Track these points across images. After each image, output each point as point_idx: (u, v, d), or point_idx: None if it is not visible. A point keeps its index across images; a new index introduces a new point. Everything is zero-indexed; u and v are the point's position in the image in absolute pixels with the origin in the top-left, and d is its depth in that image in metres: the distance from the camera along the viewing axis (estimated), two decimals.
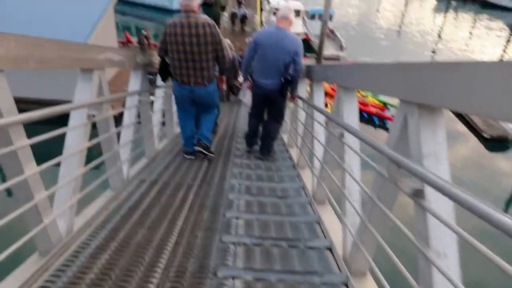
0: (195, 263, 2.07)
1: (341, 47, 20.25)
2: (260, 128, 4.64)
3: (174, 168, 3.79)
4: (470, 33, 31.42)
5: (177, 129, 5.41)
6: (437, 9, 39.46)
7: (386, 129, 14.00)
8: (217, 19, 19.76)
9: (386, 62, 1.68)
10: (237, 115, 8.12)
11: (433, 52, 24.82)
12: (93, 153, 2.74)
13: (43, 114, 1.77)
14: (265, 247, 2.31)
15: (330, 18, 19.61)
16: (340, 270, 2.13)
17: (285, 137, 5.75)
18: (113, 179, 3.07)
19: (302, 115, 4.35)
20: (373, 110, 14.06)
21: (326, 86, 11.76)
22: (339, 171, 2.57)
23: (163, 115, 4.83)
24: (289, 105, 4.79)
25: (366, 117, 13.60)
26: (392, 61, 1.72)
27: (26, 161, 1.71)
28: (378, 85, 1.82)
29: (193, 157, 4.17)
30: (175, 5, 25.21)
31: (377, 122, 14.09)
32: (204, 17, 3.56)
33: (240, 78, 8.55)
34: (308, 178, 3.67)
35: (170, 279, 1.90)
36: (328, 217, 2.81)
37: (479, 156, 12.03)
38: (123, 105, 3.54)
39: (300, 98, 4.38)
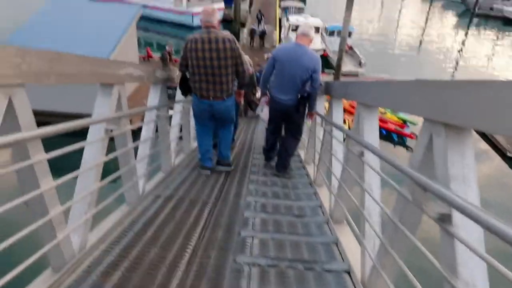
0: (207, 284, 2.01)
1: (360, 64, 20.21)
2: (278, 144, 4.61)
3: (189, 184, 3.77)
4: (493, 50, 30.86)
5: (194, 144, 5.42)
6: (458, 26, 38.95)
7: (406, 146, 13.75)
8: (236, 35, 20.07)
9: (410, 79, 1.62)
10: (254, 131, 8.11)
11: (455, 69, 24.43)
12: (110, 167, 2.75)
13: (62, 128, 1.77)
14: (280, 268, 2.24)
15: (349, 35, 19.65)
16: None
17: (302, 153, 5.68)
18: (128, 193, 3.06)
19: (320, 132, 4.29)
20: (392, 127, 13.86)
21: (345, 102, 11.69)
22: (357, 189, 2.49)
23: (181, 130, 4.85)
24: (306, 122, 4.75)
25: (385, 134, 13.40)
26: (416, 78, 1.66)
27: (43, 176, 1.71)
28: (400, 103, 1.76)
29: (208, 172, 4.15)
30: (196, 22, 25.76)
31: (396, 139, 13.85)
32: (225, 33, 3.62)
33: (258, 94, 8.58)
34: (325, 196, 3.58)
35: None
36: (346, 238, 2.72)
37: (503, 175, 11.65)
38: (142, 120, 3.57)
39: (318, 114, 4.33)
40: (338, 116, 3.59)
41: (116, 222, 2.69)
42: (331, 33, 22.58)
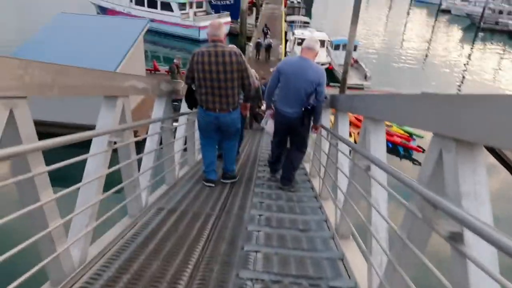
0: None
1: (365, 77, 20.24)
2: (283, 157, 4.58)
3: (193, 196, 3.73)
4: (499, 64, 30.79)
5: (199, 156, 5.40)
6: (463, 40, 39.00)
7: (412, 159, 13.64)
8: (242, 49, 20.27)
9: (418, 92, 1.58)
10: (259, 143, 8.08)
11: (461, 83, 24.37)
12: (113, 177, 2.72)
13: (64, 141, 1.76)
14: (284, 285, 2.18)
15: (355, 48, 19.73)
16: None
17: (307, 166, 5.63)
18: (131, 206, 3.03)
19: (325, 145, 4.25)
20: (398, 140, 13.78)
21: (350, 115, 11.68)
22: (363, 204, 2.43)
23: (185, 142, 4.83)
24: (312, 135, 4.73)
25: (391, 147, 13.31)
26: (425, 92, 1.63)
27: (43, 189, 1.68)
28: (408, 117, 1.72)
29: (213, 185, 4.13)
30: (202, 35, 26.07)
31: (402, 153, 13.75)
32: (231, 46, 3.69)
33: (264, 106, 8.59)
34: (331, 210, 3.52)
35: None
36: (352, 254, 2.65)
37: (510, 189, 11.51)
38: (147, 132, 3.57)
39: (324, 127, 4.30)
40: (344, 130, 3.55)
41: (118, 235, 2.65)
42: (337, 47, 22.71)
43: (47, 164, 1.72)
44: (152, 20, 23.01)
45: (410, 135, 14.12)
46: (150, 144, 3.41)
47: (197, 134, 5.20)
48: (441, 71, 26.46)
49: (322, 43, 21.91)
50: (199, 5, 28.94)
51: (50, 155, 1.83)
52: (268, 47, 22.38)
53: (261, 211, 3.46)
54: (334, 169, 3.55)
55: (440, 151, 1.36)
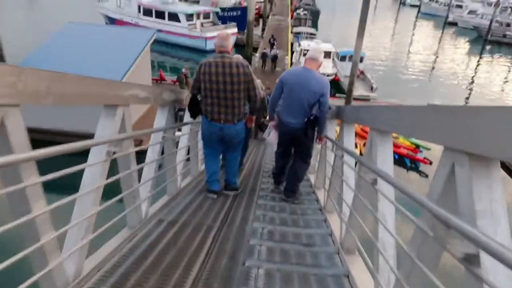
0: None
1: (371, 88, 20.18)
2: (287, 168, 4.50)
3: (195, 207, 3.65)
4: (508, 76, 30.60)
5: (202, 167, 5.33)
6: (470, 52, 38.86)
7: (419, 171, 13.47)
8: (248, 59, 20.37)
9: (428, 104, 1.50)
10: (264, 153, 8.01)
11: (468, 95, 24.19)
12: (114, 187, 2.67)
13: (60, 150, 1.70)
14: None
15: (361, 60, 19.70)
16: None
17: (312, 177, 5.53)
18: (131, 217, 2.96)
19: (330, 157, 4.16)
20: (405, 151, 13.64)
21: (356, 125, 11.61)
22: (370, 217, 2.34)
23: (188, 152, 4.77)
24: (316, 146, 4.66)
25: (397, 159, 13.17)
26: (431, 103, 1.55)
27: (35, 200, 1.62)
28: (417, 130, 1.63)
29: (215, 196, 4.06)
30: (209, 46, 26.24)
31: (408, 165, 13.60)
32: (238, 57, 3.71)
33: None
34: (336, 224, 3.42)
35: None
36: (358, 270, 2.55)
37: None
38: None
39: (329, 139, 4.23)
40: (349, 141, 3.47)
41: (116, 248, 2.57)
42: (343, 58, 22.72)
43: (46, 172, 1.66)
44: (160, 31, 23.26)
45: (417, 146, 13.98)
46: (152, 154, 3.35)
47: (200, 144, 5.14)
48: (448, 83, 26.30)
49: (328, 54, 21.96)
50: (206, 16, 29.19)
51: (50, 163, 1.78)
52: (275, 58, 22.47)
53: (264, 224, 3.37)
54: (339, 181, 3.46)
55: (452, 166, 1.28)
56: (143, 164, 3.15)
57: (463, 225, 1.03)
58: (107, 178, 2.40)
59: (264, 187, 4.87)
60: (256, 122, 9.12)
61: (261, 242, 2.94)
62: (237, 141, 4.04)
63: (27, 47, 18.63)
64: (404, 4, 76.76)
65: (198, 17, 28.45)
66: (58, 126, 11.25)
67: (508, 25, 42.99)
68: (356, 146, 11.39)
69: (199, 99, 3.87)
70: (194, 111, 3.98)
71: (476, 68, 32.19)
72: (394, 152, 13.49)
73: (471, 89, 25.56)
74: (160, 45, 25.98)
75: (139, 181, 3.14)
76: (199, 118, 4.14)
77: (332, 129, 4.51)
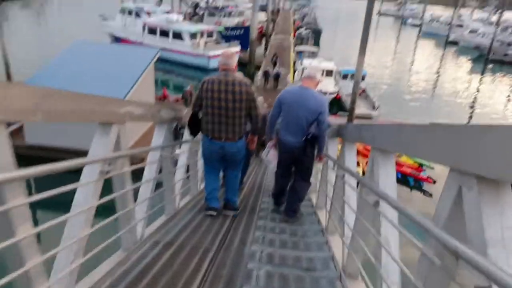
0: None
1: (373, 107, 20.18)
2: (287, 189, 4.41)
3: (192, 228, 3.55)
4: (510, 95, 30.59)
5: (201, 185, 5.25)
6: (472, 71, 39.00)
7: (423, 191, 13.27)
8: (251, 77, 20.52)
9: (433, 123, 1.43)
10: (265, 172, 7.92)
11: (471, 114, 24.13)
12: (110, 206, 2.59)
13: (49, 169, 1.63)
14: None
15: (363, 78, 19.78)
16: None
17: (313, 197, 5.42)
18: (125, 238, 2.86)
19: (331, 176, 4.07)
20: (408, 170, 13.48)
21: (358, 143, 11.51)
22: (373, 240, 2.24)
23: (188, 170, 4.70)
24: (316, 165, 4.59)
25: (400, 178, 13.00)
26: (434, 122, 1.48)
27: (20, 222, 1.54)
28: (421, 150, 1.55)
29: (214, 213, 4.00)
30: (211, 64, 26.50)
31: (412, 183, 13.42)
32: (241, 76, 3.74)
33: None
34: (338, 246, 3.29)
35: None
36: None
37: None
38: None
39: (330, 157, 4.15)
40: (351, 161, 3.39)
41: (108, 271, 2.48)
42: (345, 76, 22.82)
43: (41, 188, 1.60)
44: (164, 49, 23.56)
45: (420, 165, 13.82)
46: (148, 173, 3.28)
47: (199, 163, 5.08)
48: (450, 101, 26.28)
49: (330, 72, 22.10)
50: (210, 35, 29.56)
51: (45, 180, 1.72)
52: (277, 76, 22.61)
53: (263, 247, 3.26)
54: (341, 201, 3.36)
55: (459, 189, 1.19)
56: (139, 184, 3.08)
57: (474, 256, 0.94)
58: (102, 197, 2.33)
59: (264, 207, 4.77)
60: (258, 141, 9.10)
61: (260, 266, 2.82)
62: (239, 158, 4.01)
63: (34, 63, 18.95)
64: (405, 23, 77.70)
65: (201, 36, 28.81)
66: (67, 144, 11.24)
67: (509, 44, 43.23)
68: (358, 165, 11.29)
69: (200, 116, 3.84)
70: (194, 129, 3.95)
71: (478, 87, 32.20)
72: (397, 171, 13.37)
73: (473, 108, 25.51)
74: (164, 64, 26.26)
75: (136, 200, 3.07)
76: (199, 136, 4.10)
77: (333, 147, 4.44)
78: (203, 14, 35.84)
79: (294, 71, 26.44)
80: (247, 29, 28.16)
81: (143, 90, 13.80)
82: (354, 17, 68.07)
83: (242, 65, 25.61)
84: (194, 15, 36.84)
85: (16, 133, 12.75)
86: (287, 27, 47.16)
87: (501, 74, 37.42)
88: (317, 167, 4.90)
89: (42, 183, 1.91)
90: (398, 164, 13.21)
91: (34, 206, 1.70)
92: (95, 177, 2.16)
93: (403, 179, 13.19)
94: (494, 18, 54.73)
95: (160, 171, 3.56)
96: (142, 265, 2.62)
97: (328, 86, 20.87)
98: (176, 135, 9.59)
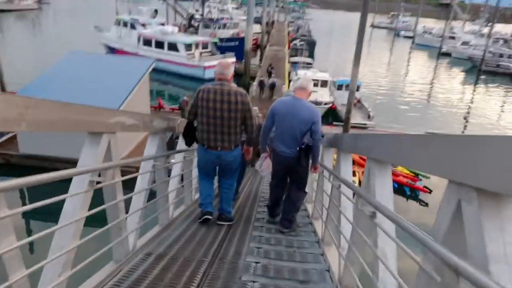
0: None
1: (368, 116, 20.30)
2: (282, 200, 4.36)
3: (186, 239, 3.48)
4: (504, 106, 30.91)
5: (196, 195, 5.18)
6: (465, 82, 39.44)
7: (419, 200, 13.26)
8: (246, 88, 20.56)
9: (429, 132, 1.40)
10: (260, 182, 7.86)
11: (465, 124, 24.31)
12: (101, 217, 2.53)
13: (35, 181, 1.58)
14: None
15: (358, 89, 19.92)
16: None
17: (309, 207, 5.37)
18: (116, 250, 2.79)
19: (327, 186, 4.03)
20: (404, 180, 13.49)
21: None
22: (370, 252, 2.19)
23: (182, 179, 4.64)
24: (311, 175, 4.56)
25: (397, 187, 12.99)
26: (430, 132, 1.44)
27: (4, 236, 1.48)
28: (419, 161, 1.51)
29: (210, 217, 3.98)
30: (207, 75, 26.57)
31: (408, 193, 13.42)
32: (236, 86, 3.75)
33: None
34: (334, 258, 3.23)
35: None
36: None
37: None
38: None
39: (325, 168, 4.12)
40: (346, 171, 3.35)
41: (98, 284, 2.41)
42: (340, 87, 22.97)
43: (36, 197, 1.54)
44: (159, 60, 23.55)
45: (416, 175, 13.84)
46: (141, 183, 3.22)
47: (194, 173, 5.02)
48: (444, 112, 26.49)
49: (325, 83, 22.25)
50: (205, 46, 29.70)
51: (39, 188, 1.68)
52: (272, 86, 22.70)
53: (258, 258, 3.20)
54: (337, 212, 3.31)
55: (458, 202, 1.15)
56: (131, 194, 3.01)
57: (476, 274, 0.89)
58: (94, 207, 2.27)
59: (260, 217, 4.71)
60: (254, 150, 9.06)
61: (254, 279, 2.76)
62: (234, 167, 4.01)
63: (29, 73, 18.88)
64: (398, 35, 78.63)
65: (197, 47, 28.95)
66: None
67: (501, 55, 43.89)
68: (354, 174, 11.25)
69: (195, 125, 3.83)
70: (190, 139, 3.94)
71: (472, 98, 32.54)
72: (393, 181, 13.42)
73: (467, 118, 25.72)
74: (160, 74, 26.31)
75: (128, 211, 3.00)
76: (193, 145, 4.06)
77: (329, 157, 4.41)
78: (198, 26, 36.01)
79: (289, 82, 26.58)
80: (242, 41, 28.28)
81: (138, 100, 13.76)
82: (348, 29, 68.83)
83: (237, 75, 25.76)
84: (189, 27, 37.01)
85: (10, 142, 12.63)
86: (282, 38, 47.54)
87: (494, 85, 37.86)
88: (313, 177, 4.86)
89: (35, 191, 1.87)
90: (394, 174, 13.21)
91: (27, 215, 1.65)
92: (84, 188, 2.10)
93: (399, 188, 13.19)
94: (485, 30, 55.59)
95: (154, 181, 3.50)
96: (133, 278, 2.55)
97: (324, 96, 21.00)
98: (172, 145, 9.54)
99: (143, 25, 30.95)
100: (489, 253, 0.98)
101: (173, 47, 28.53)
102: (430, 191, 13.31)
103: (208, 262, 2.99)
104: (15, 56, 28.84)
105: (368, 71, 36.21)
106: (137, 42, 30.07)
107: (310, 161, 4.10)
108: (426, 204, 13.06)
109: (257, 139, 6.69)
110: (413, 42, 65.10)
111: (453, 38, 57.89)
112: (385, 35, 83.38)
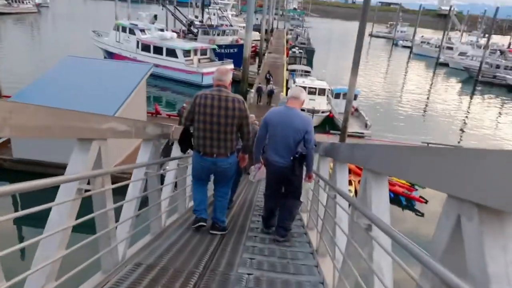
0: None
1: (366, 125, 20.30)
2: (277, 211, 4.30)
3: (178, 249, 3.40)
4: (500, 117, 31.08)
5: (190, 203, 5.10)
6: (462, 92, 39.67)
7: (414, 210, 13.21)
8: (244, 95, 20.56)
9: (431, 145, 1.35)
10: (256, 190, 7.79)
11: (461, 135, 24.39)
12: (90, 225, 2.46)
13: (17, 189, 1.51)
14: None
15: (355, 97, 19.95)
16: None
17: (304, 216, 5.30)
18: (105, 260, 2.71)
19: (323, 196, 3.97)
20: (400, 190, 13.45)
21: None
22: (366, 265, 2.13)
23: (176, 186, 4.57)
24: (305, 184, 4.51)
25: (393, 197, 12.95)
26: (438, 145, 1.40)
27: None
28: (416, 174, 1.46)
29: (204, 224, 3.92)
30: (205, 81, 26.57)
31: (404, 203, 13.36)
32: (234, 93, 3.72)
33: None
34: (329, 270, 3.16)
35: None
36: None
37: None
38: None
39: (320, 177, 4.07)
40: (342, 182, 3.29)
41: None
42: (337, 96, 23.00)
43: (28, 202, 1.47)
44: (157, 65, 23.50)
45: (412, 185, 13.81)
46: (132, 192, 3.15)
47: (188, 179, 4.95)
48: (440, 122, 26.58)
49: (323, 91, 22.26)
50: (203, 53, 29.74)
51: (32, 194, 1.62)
52: (271, 93, 22.75)
53: (251, 270, 3.12)
54: (332, 223, 3.25)
55: (457, 218, 1.10)
56: (121, 203, 2.94)
57: None
58: (82, 216, 2.20)
59: (254, 226, 4.63)
60: (249, 158, 8.99)
61: None
62: (230, 174, 3.97)
63: (26, 77, 18.80)
64: (396, 45, 79.31)
65: (195, 53, 28.98)
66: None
67: (497, 66, 44.27)
68: (350, 183, 11.18)
69: (191, 131, 3.79)
70: (185, 145, 3.89)
71: (468, 108, 32.72)
72: (390, 191, 13.32)
73: (463, 129, 25.81)
74: (158, 80, 26.29)
75: (119, 220, 2.93)
76: (188, 152, 4.01)
77: (325, 167, 4.36)
78: (197, 32, 36.12)
79: (287, 89, 26.62)
80: (240, 48, 28.37)
81: (134, 105, 13.68)
82: (346, 38, 69.34)
83: (236, 82, 25.78)
84: (188, 33, 37.13)
85: (4, 147, 12.50)
86: (281, 46, 47.83)
87: (490, 96, 38.11)
88: (308, 186, 4.81)
89: (28, 197, 1.82)
90: (390, 183, 13.15)
91: (17, 222, 1.59)
92: (71, 196, 2.04)
93: (395, 198, 13.14)
94: (483, 41, 56.17)
95: (146, 189, 3.43)
96: None
97: (321, 104, 21.01)
98: (169, 151, 9.46)
99: (142, 30, 31.00)
100: (491, 273, 0.93)
101: (171, 53, 28.56)
102: (426, 201, 13.27)
103: (199, 273, 2.91)
104: (13, 59, 28.79)
105: (366, 80, 36.37)
106: (136, 47, 30.08)
107: (304, 170, 4.06)
108: (422, 215, 13.02)
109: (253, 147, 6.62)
110: (411, 52, 65.59)
111: (450, 48, 58.46)
112: (383, 44, 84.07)
